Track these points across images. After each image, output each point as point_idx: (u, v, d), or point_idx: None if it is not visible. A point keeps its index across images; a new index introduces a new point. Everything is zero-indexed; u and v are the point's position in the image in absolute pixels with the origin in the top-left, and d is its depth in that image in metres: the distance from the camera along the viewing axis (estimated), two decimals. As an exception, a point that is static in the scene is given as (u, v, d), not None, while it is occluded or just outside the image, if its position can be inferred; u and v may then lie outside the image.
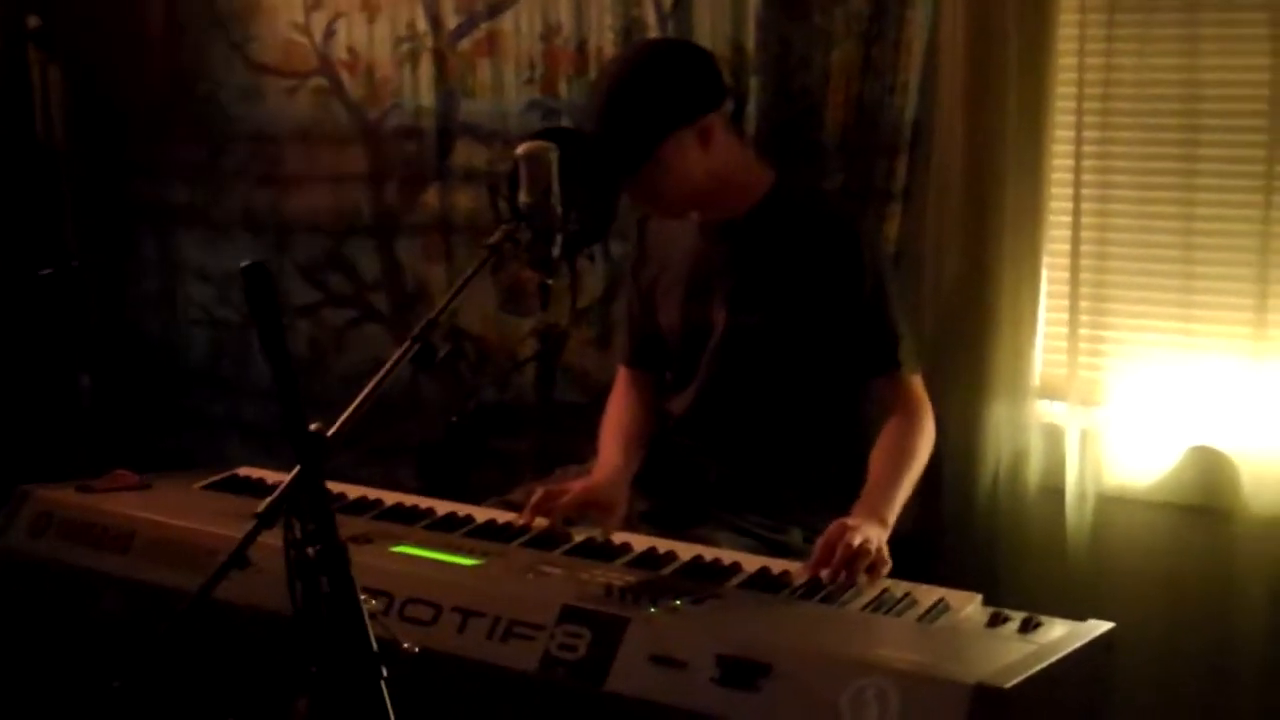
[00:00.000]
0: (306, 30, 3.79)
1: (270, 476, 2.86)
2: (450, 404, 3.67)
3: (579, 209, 2.37)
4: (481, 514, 2.60)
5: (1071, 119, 2.84)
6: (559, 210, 2.26)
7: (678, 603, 2.10)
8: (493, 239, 2.27)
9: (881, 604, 2.17)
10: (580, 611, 2.05)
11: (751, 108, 3.12)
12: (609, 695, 1.95)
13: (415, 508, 2.66)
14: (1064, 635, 2.04)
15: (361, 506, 2.69)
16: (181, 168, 4.09)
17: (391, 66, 3.67)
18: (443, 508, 2.66)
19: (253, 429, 4.07)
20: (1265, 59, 2.66)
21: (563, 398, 3.55)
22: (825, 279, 2.59)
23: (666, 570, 2.32)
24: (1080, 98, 2.82)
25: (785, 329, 2.62)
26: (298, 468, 1.88)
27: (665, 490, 2.70)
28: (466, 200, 3.62)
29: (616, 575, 2.25)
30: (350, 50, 3.73)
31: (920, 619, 2.11)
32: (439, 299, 3.68)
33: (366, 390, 2.03)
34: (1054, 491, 2.90)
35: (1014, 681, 1.80)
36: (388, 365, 2.04)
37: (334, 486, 2.73)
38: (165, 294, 4.21)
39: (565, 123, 3.42)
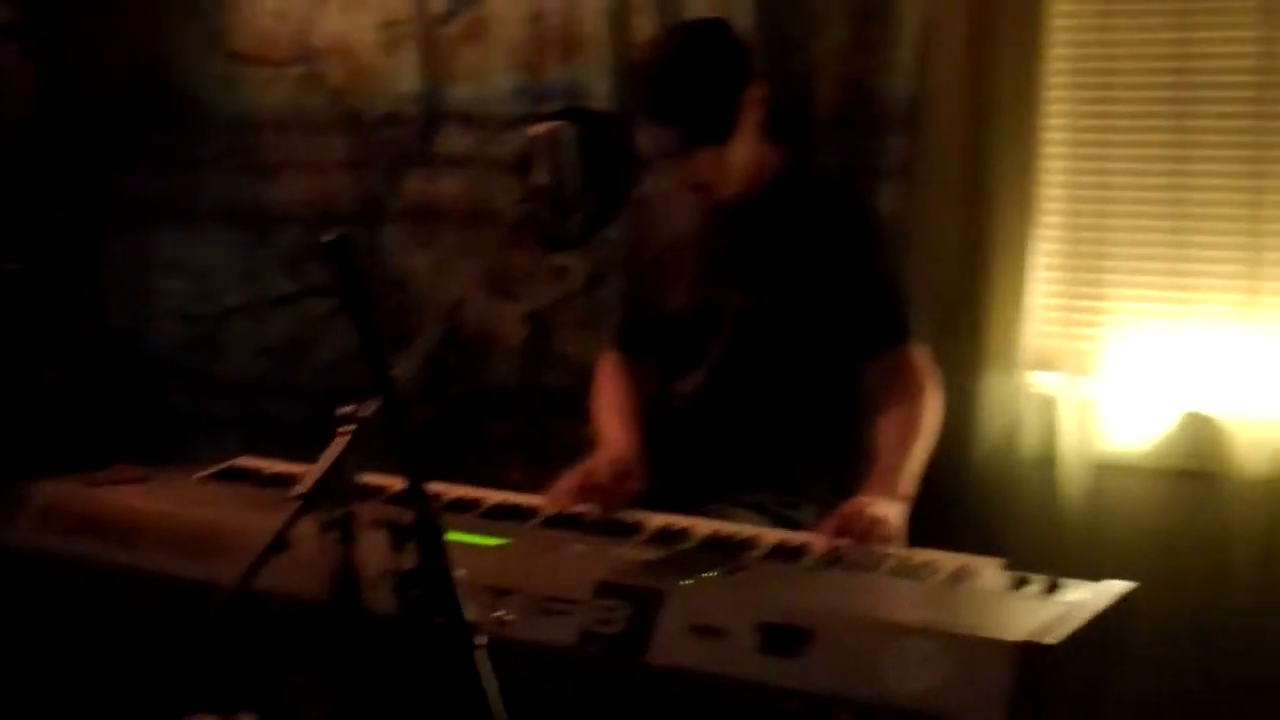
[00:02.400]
0: (286, 17, 3.77)
1: (269, 466, 2.85)
2: (433, 389, 3.66)
3: (595, 189, 2.38)
4: (491, 496, 2.61)
5: (1068, 94, 2.88)
6: (578, 189, 2.28)
7: (710, 575, 2.11)
8: (514, 217, 2.28)
9: (905, 571, 2.20)
10: (616, 586, 2.06)
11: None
12: (651, 667, 1.96)
13: (462, 498, 2.65)
14: (1091, 596, 2.08)
15: (366, 491, 2.66)
16: (155, 159, 4.06)
17: (375, 53, 3.66)
18: (451, 491, 2.65)
19: (226, 423, 4.04)
20: (1253, 30, 2.72)
21: (549, 382, 3.56)
22: (838, 256, 2.61)
23: (687, 545, 2.34)
24: (1076, 72, 2.87)
25: (800, 307, 2.63)
26: (335, 445, 1.89)
27: (676, 472, 2.72)
28: (452, 186, 3.61)
29: (641, 551, 2.27)
30: (332, 37, 3.72)
31: (945, 583, 2.15)
32: (422, 286, 3.71)
33: (403, 366, 2.01)
34: (1048, 461, 2.95)
35: (1058, 639, 1.83)
36: (423, 342, 2.03)
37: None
38: (137, 289, 4.17)
39: (555, 107, 3.42)
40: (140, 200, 4.11)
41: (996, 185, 2.94)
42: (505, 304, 3.59)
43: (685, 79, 2.53)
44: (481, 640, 1.61)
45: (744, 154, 2.58)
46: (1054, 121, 2.93)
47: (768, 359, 2.68)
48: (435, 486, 2.62)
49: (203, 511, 2.49)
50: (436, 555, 1.61)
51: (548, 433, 3.48)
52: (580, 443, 3.14)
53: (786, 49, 3.14)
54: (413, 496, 1.65)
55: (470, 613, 1.62)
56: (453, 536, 2.32)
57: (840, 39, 3.07)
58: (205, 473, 2.83)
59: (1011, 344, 2.96)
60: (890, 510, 2.39)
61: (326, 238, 1.66)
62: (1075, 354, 2.94)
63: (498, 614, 1.77)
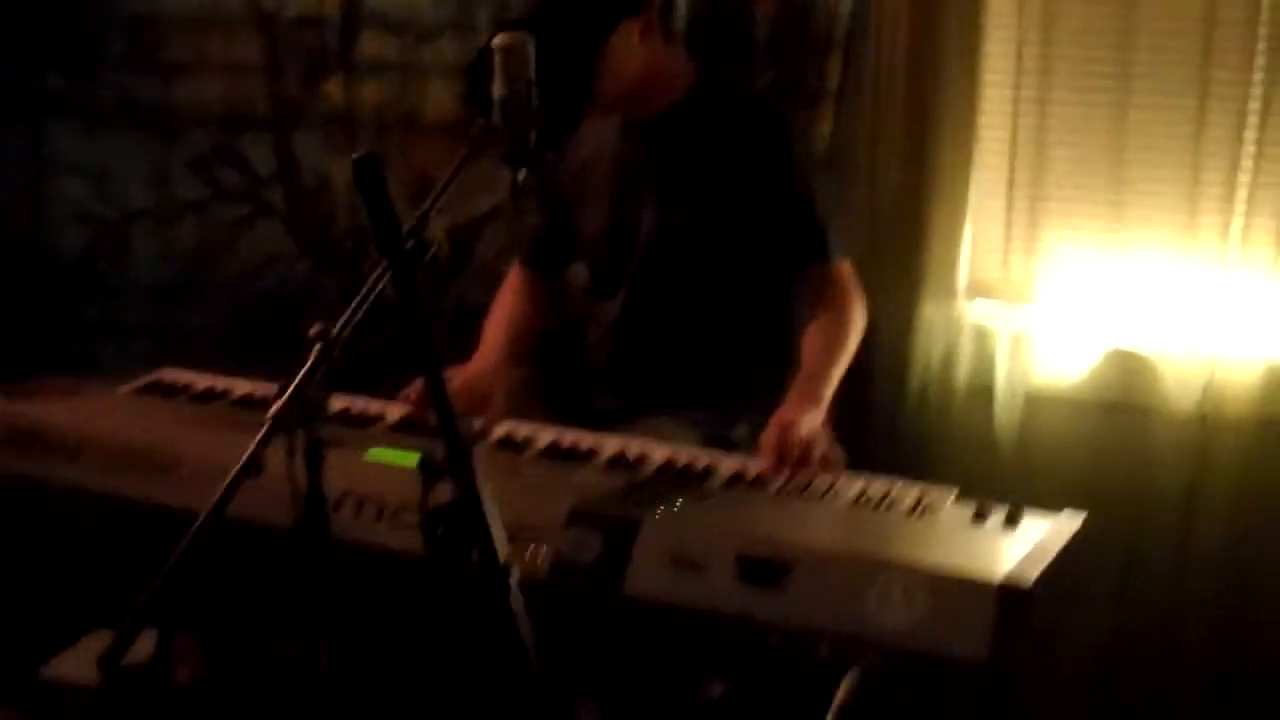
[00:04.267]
0: (196, -89, 3.61)
1: (198, 380, 2.76)
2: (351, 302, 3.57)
3: (551, 102, 2.32)
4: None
5: (1013, 19, 2.88)
6: (536, 103, 2.21)
7: (679, 503, 2.10)
8: (472, 131, 2.21)
9: (867, 500, 2.20)
10: (589, 514, 2.03)
11: (680, 2, 3.08)
12: (627, 598, 1.94)
13: (365, 412, 2.60)
14: (1052, 528, 2.10)
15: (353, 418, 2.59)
16: (53, 55, 3.86)
17: (290, -49, 3.53)
18: (393, 411, 2.60)
19: (131, 330, 3.91)
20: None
21: (472, 298, 3.50)
22: (753, 170, 2.59)
23: (646, 472, 2.32)
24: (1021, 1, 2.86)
25: (715, 224, 2.61)
26: (305, 367, 1.83)
27: (607, 389, 2.72)
28: (373, 92, 3.51)
29: (601, 478, 2.24)
30: (246, -65, 3.58)
31: (909, 515, 2.15)
32: (341, 194, 3.61)
33: (364, 291, 1.94)
34: (983, 390, 2.98)
35: (1032, 580, 1.85)
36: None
37: (252, 387, 2.68)
38: (32, 189, 3.99)
39: (482, 14, 3.34)
40: (36, 96, 3.92)
41: (937, 111, 2.94)
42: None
43: None
44: (515, 577, 1.58)
45: (634, 74, 2.56)
46: (996, 49, 2.93)
47: (687, 278, 2.66)
48: (346, 402, 2.60)
49: (139, 427, 2.41)
50: (470, 492, 1.56)
51: (470, 348, 3.42)
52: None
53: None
54: (445, 433, 1.59)
55: (503, 550, 1.58)
56: (394, 457, 2.30)
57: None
58: (131, 386, 2.73)
59: (949, 272, 2.98)
60: (813, 420, 2.40)
61: (356, 156, 1.58)
62: (1014, 283, 2.96)
63: (530, 550, 1.73)
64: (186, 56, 3.69)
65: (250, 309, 3.73)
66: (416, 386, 2.54)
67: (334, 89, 3.55)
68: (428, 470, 1.60)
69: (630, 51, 2.54)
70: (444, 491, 1.60)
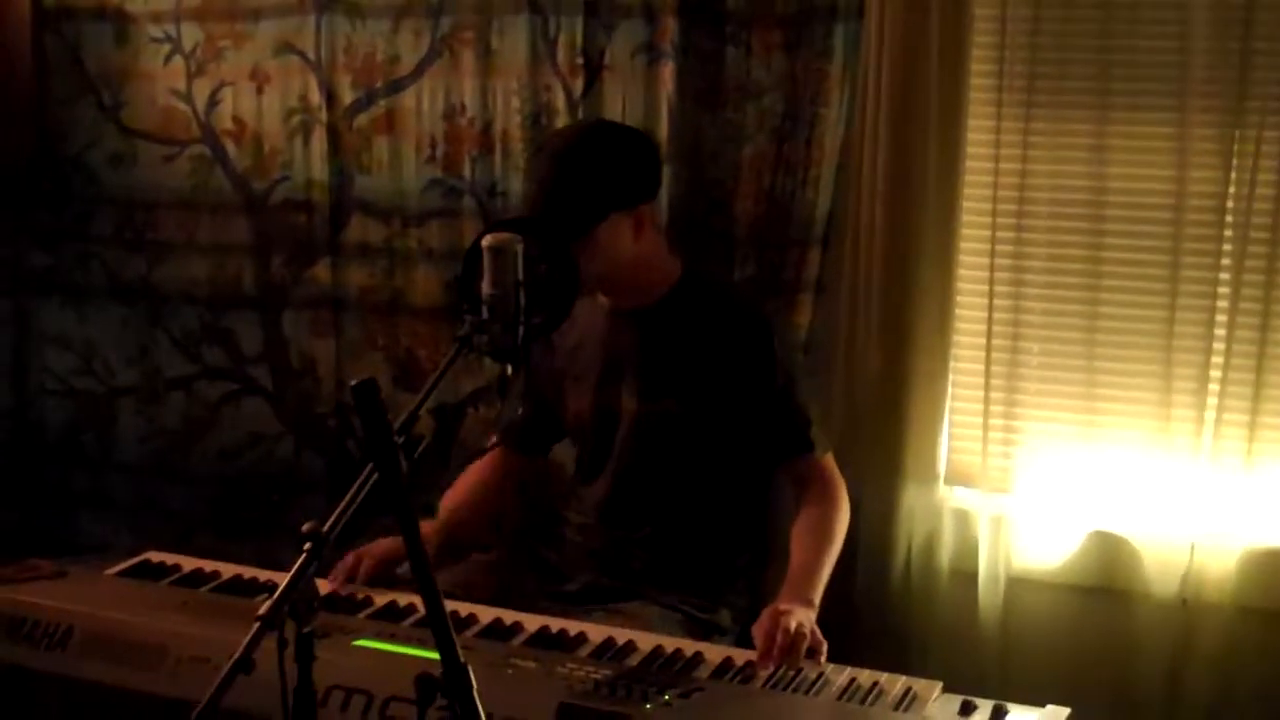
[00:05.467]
0: (188, 98, 3.70)
1: (185, 562, 2.76)
2: (335, 483, 3.60)
3: (539, 299, 2.37)
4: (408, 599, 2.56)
5: (987, 219, 2.97)
6: (523, 302, 2.26)
7: (667, 697, 2.11)
8: (462, 331, 2.25)
9: (854, 693, 2.22)
10: (578, 710, 2.04)
11: (663, 197, 3.16)
12: (618, 795, 1.94)
13: (352, 596, 2.61)
14: (1037, 725, 2.12)
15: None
16: (42, 231, 3.93)
17: (281, 138, 3.61)
18: (378, 596, 2.61)
19: (114, 504, 3.92)
20: (1169, 170, 2.84)
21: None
22: (736, 369, 2.65)
23: (633, 661, 2.33)
24: (995, 199, 2.96)
25: (695, 415, 2.67)
26: (296, 567, 1.84)
27: (590, 570, 2.75)
28: (360, 276, 3.58)
29: (590, 668, 2.24)
30: (236, 120, 3.66)
31: (896, 709, 2.17)
32: (326, 374, 3.65)
33: (355, 487, 1.96)
34: (965, 574, 3.01)
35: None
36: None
37: (238, 570, 2.70)
38: (18, 362, 4.03)
39: (468, 202, 3.43)
40: (23, 272, 3.97)
41: (916, 303, 3.01)
42: (411, 397, 3.54)
43: (553, 181, 2.56)
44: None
45: (620, 264, 2.61)
46: (976, 245, 3.01)
47: (668, 465, 2.71)
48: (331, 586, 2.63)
49: (127, 614, 2.41)
50: (468, 710, 1.57)
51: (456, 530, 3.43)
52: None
53: (703, 161, 3.18)
54: (442, 647, 1.60)
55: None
56: (381, 646, 2.31)
57: (757, 153, 3.12)
58: (117, 568, 2.73)
59: (930, 458, 3.03)
60: (805, 617, 2.42)
61: (354, 382, 1.62)
62: (993, 471, 3.01)
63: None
64: (174, 236, 3.76)
65: (234, 485, 3.75)
66: (346, 563, 2.63)
67: (321, 271, 3.61)
68: (424, 689, 1.61)
69: (617, 243, 2.59)
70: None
